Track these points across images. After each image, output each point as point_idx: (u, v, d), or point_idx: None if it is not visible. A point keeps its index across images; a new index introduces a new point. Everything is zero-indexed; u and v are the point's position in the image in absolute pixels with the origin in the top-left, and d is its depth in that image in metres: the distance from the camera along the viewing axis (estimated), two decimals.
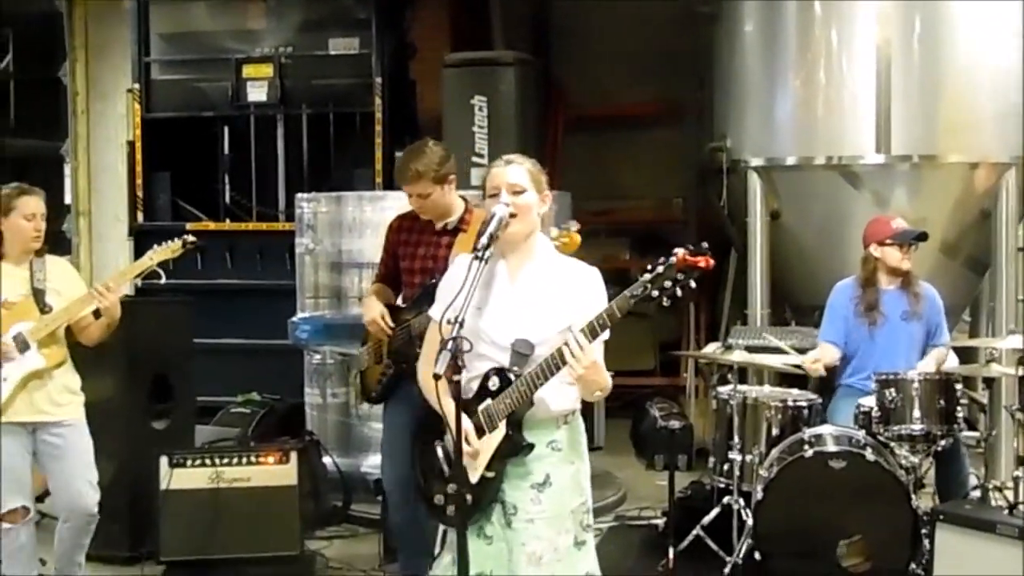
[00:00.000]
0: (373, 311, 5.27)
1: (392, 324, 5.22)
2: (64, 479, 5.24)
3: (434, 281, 4.79)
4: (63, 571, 5.36)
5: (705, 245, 3.45)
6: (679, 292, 3.43)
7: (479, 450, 3.63)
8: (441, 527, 3.83)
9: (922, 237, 6.23)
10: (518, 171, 3.75)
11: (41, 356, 5.12)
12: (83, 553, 5.36)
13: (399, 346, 5.21)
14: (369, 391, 5.48)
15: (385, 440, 5.48)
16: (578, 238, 4.76)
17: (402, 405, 5.19)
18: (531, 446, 3.66)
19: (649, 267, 3.46)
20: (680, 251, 3.42)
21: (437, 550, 3.85)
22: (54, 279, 5.25)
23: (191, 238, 5.28)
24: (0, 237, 5.21)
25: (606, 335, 3.55)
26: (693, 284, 3.44)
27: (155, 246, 5.27)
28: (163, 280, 5.29)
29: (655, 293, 3.43)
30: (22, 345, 5.09)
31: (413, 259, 5.28)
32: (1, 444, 5.13)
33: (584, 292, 3.71)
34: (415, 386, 4.41)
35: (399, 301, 5.37)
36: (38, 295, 5.17)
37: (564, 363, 3.48)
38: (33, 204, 5.21)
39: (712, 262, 3.47)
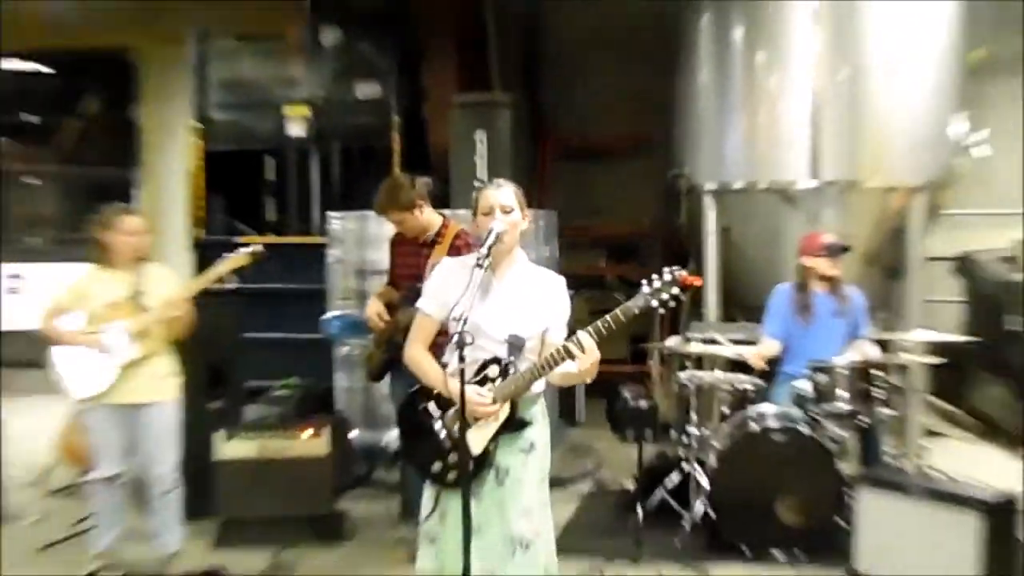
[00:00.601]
0: (370, 309, 5.56)
1: (387, 319, 5.45)
2: (141, 449, 5.29)
3: (419, 285, 5.02)
4: (156, 538, 5.39)
5: (692, 267, 3.51)
6: (672, 305, 3.49)
7: (495, 411, 3.65)
8: (429, 489, 3.82)
9: (846, 250, 6.26)
10: (508, 194, 3.79)
11: (135, 348, 5.15)
12: (172, 524, 5.37)
13: (390, 336, 5.42)
14: (370, 372, 5.72)
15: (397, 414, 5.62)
16: None
17: (403, 382, 5.32)
18: (528, 423, 3.71)
19: (646, 281, 3.49)
20: (682, 272, 3.46)
21: (427, 510, 3.84)
22: (153, 283, 5.28)
23: (260, 248, 5.33)
24: (103, 249, 5.25)
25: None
26: (683, 298, 3.49)
27: (228, 254, 5.28)
28: (236, 285, 5.32)
29: (654, 303, 3.47)
30: (120, 339, 5.12)
31: (403, 267, 5.52)
32: (99, 421, 5.22)
33: (555, 297, 3.81)
34: (404, 368, 4.60)
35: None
36: (137, 297, 5.21)
37: (571, 358, 3.52)
38: (135, 224, 5.28)
39: (702, 281, 3.53)
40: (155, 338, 5.24)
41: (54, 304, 5.28)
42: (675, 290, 3.45)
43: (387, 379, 5.70)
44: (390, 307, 5.47)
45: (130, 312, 5.18)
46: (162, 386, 5.29)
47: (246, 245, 5.36)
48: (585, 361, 3.50)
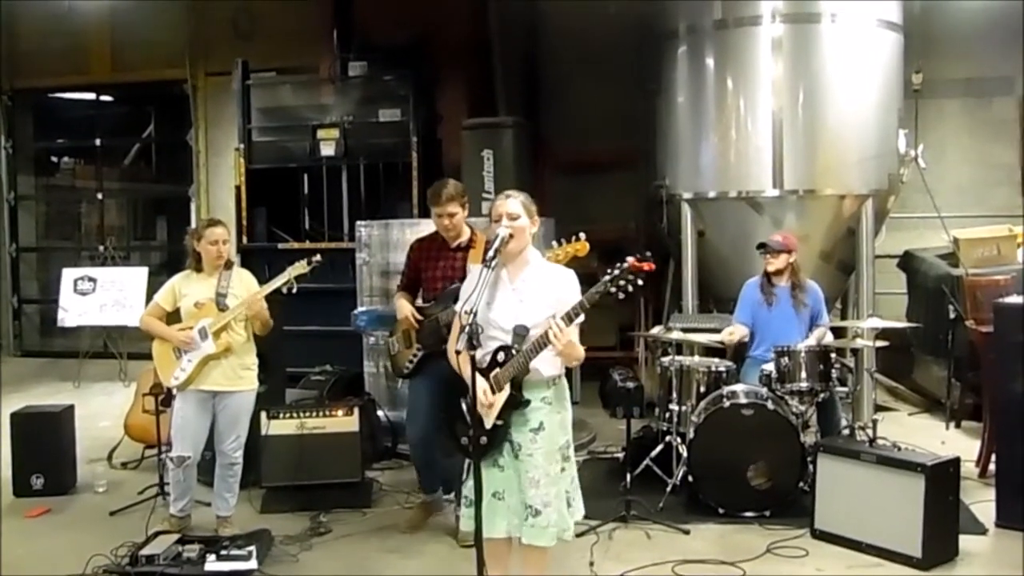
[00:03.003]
0: (405, 309, 5.29)
1: (420, 318, 5.21)
2: (221, 433, 5.30)
3: (455, 285, 4.88)
4: (215, 501, 5.41)
5: (649, 254, 3.48)
6: (631, 288, 3.48)
7: (494, 402, 3.64)
8: (467, 460, 3.82)
9: (761, 247, 6.33)
10: (515, 203, 3.77)
11: (213, 344, 5.15)
12: (229, 492, 5.38)
13: (428, 334, 5.18)
14: (400, 369, 5.41)
15: (410, 405, 5.46)
16: (587, 245, 4.66)
17: (425, 377, 5.23)
18: (528, 401, 3.70)
19: (608, 270, 3.48)
20: (630, 259, 3.45)
21: (464, 476, 3.84)
22: (235, 286, 5.30)
23: (317, 257, 5.34)
24: (198, 256, 5.25)
25: (580, 319, 3.58)
26: (640, 283, 3.47)
27: (296, 263, 5.27)
28: (295, 290, 5.28)
29: (613, 289, 3.48)
30: (203, 335, 5.14)
31: (435, 270, 5.25)
32: (184, 405, 5.22)
33: (564, 289, 3.75)
34: (439, 363, 4.58)
35: (419, 302, 5.35)
36: (219, 299, 5.22)
37: (549, 342, 3.50)
38: (217, 233, 5.29)
39: (653, 266, 3.51)
40: (235, 334, 5.23)
41: (153, 306, 5.34)
42: (630, 276, 3.45)
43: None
44: (417, 308, 5.29)
45: (212, 312, 5.19)
46: (240, 376, 5.29)
47: (287, 251, 5.36)
48: (557, 343, 3.50)
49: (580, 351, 3.64)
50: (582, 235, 4.76)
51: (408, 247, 5.52)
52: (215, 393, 5.23)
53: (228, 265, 5.36)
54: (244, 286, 5.32)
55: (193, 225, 10.89)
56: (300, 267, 5.25)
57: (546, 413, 3.74)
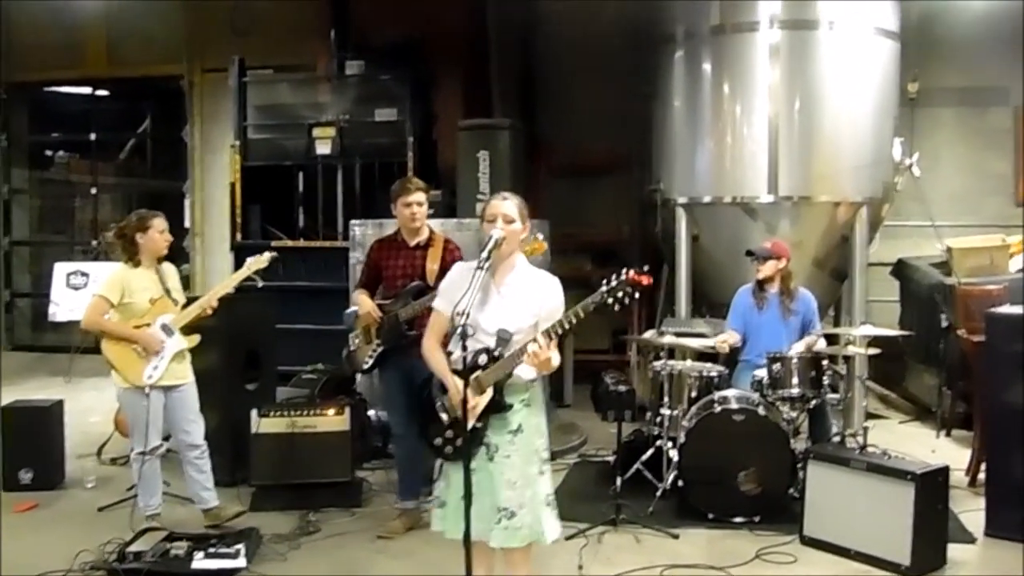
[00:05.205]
0: (367, 304, 5.35)
1: (380, 314, 5.29)
2: (179, 421, 5.31)
3: (415, 283, 5.14)
4: (201, 495, 5.39)
5: (647, 268, 3.47)
6: (627, 301, 3.47)
7: (476, 403, 3.63)
8: (438, 462, 3.82)
9: (748, 254, 6.35)
10: (511, 206, 3.75)
11: (184, 340, 5.19)
12: (210, 481, 5.38)
13: (388, 330, 5.27)
14: (359, 364, 5.48)
15: (387, 399, 5.58)
16: (544, 245, 4.74)
17: (393, 371, 5.35)
18: (510, 405, 3.69)
19: (605, 281, 3.48)
20: (631, 272, 3.44)
21: (436, 476, 3.85)
22: (171, 280, 5.32)
23: (274, 253, 5.40)
24: (137, 248, 5.20)
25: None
26: (637, 295, 3.45)
27: (253, 258, 5.35)
28: (260, 284, 5.38)
29: (610, 301, 3.47)
30: (168, 332, 5.13)
31: (395, 268, 5.34)
32: (151, 401, 5.15)
33: (547, 295, 3.75)
34: (401, 358, 4.99)
35: (378, 299, 5.40)
36: (169, 293, 5.24)
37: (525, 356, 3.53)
38: (163, 223, 5.27)
39: (651, 279, 3.50)
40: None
41: (100, 301, 5.17)
42: (628, 288, 3.44)
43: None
44: (379, 305, 5.35)
45: (168, 307, 5.17)
46: (189, 368, 5.33)
47: (281, 249, 5.42)
48: (534, 359, 3.50)
49: (555, 363, 3.61)
50: (540, 235, 4.79)
51: (369, 247, 5.63)
52: (170, 387, 5.22)
53: (160, 259, 5.32)
54: (176, 280, 5.39)
55: (187, 221, 10.91)
56: (259, 262, 5.30)
57: (524, 415, 3.74)
